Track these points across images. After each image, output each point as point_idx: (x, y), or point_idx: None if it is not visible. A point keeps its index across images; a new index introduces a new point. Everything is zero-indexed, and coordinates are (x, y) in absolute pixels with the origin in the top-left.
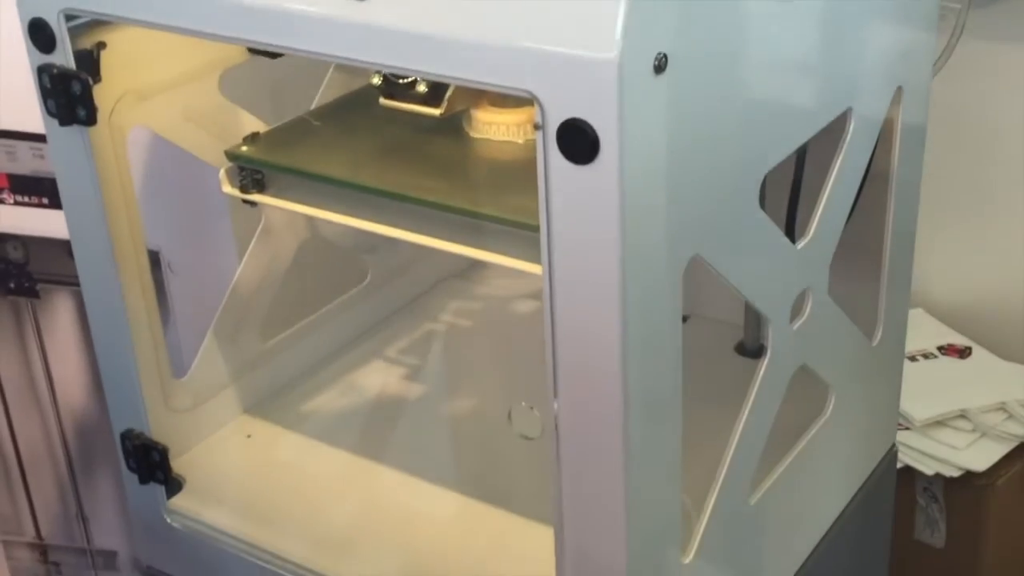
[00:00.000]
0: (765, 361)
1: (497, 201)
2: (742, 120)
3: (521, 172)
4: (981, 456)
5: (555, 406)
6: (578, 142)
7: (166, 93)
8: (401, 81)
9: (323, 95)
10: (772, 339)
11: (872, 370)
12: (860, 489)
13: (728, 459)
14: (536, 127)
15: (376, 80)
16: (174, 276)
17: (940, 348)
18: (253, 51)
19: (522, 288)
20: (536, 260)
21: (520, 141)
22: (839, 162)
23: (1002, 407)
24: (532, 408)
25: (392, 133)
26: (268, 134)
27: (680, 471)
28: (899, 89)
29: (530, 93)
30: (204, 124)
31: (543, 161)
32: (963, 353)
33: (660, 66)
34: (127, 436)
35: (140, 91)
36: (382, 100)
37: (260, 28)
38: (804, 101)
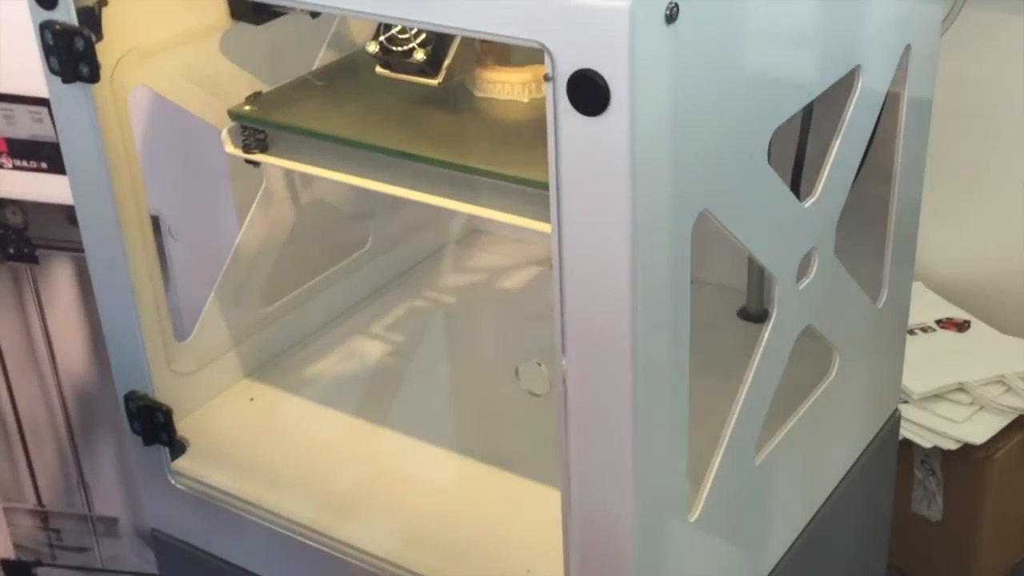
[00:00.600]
0: (771, 321)
1: (503, 159)
2: (751, 74)
3: (527, 131)
4: (979, 429)
5: (563, 363)
6: (589, 93)
7: (167, 52)
8: (397, 49)
9: (324, 56)
10: (778, 298)
11: (876, 333)
12: (863, 453)
13: (734, 418)
14: (546, 78)
15: (372, 48)
16: (174, 241)
17: (939, 322)
18: (236, 17)
19: (523, 254)
20: (544, 218)
21: (525, 100)
22: (847, 120)
23: (1001, 380)
24: (540, 364)
25: (396, 93)
26: (270, 94)
27: (687, 430)
28: (907, 48)
29: (540, 44)
30: (205, 85)
31: (553, 114)
32: (961, 327)
33: (672, 15)
34: (131, 398)
35: (142, 50)
36: (378, 69)
37: None
38: (813, 57)
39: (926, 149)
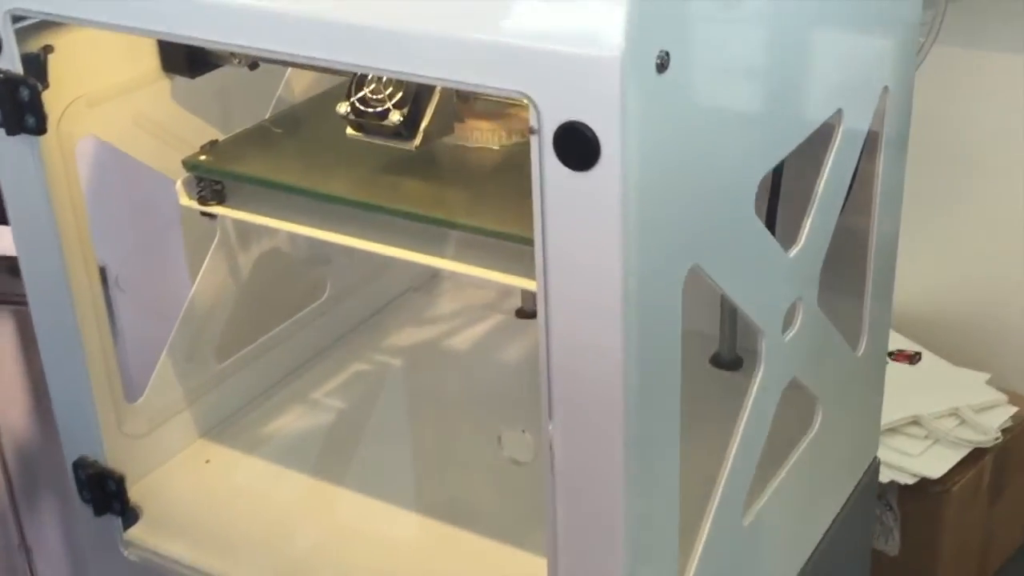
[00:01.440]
0: (758, 376)
1: (478, 211)
2: (739, 122)
3: (501, 180)
4: (935, 463)
5: (549, 429)
6: (578, 147)
7: (116, 100)
8: (370, 110)
9: (280, 99)
10: (765, 352)
11: (857, 381)
12: (847, 502)
13: (723, 481)
14: (531, 132)
15: (343, 109)
16: (122, 293)
17: (890, 354)
18: (169, 70)
19: (486, 300)
20: (522, 273)
21: (495, 147)
22: (829, 165)
23: (955, 413)
24: (524, 432)
25: (359, 139)
26: (227, 142)
27: (678, 493)
28: (885, 89)
29: (523, 95)
30: (157, 133)
31: (538, 168)
32: (913, 359)
33: (663, 64)
34: (80, 465)
35: (90, 97)
36: (349, 132)
37: (215, 27)
38: (799, 101)
39: (902, 188)
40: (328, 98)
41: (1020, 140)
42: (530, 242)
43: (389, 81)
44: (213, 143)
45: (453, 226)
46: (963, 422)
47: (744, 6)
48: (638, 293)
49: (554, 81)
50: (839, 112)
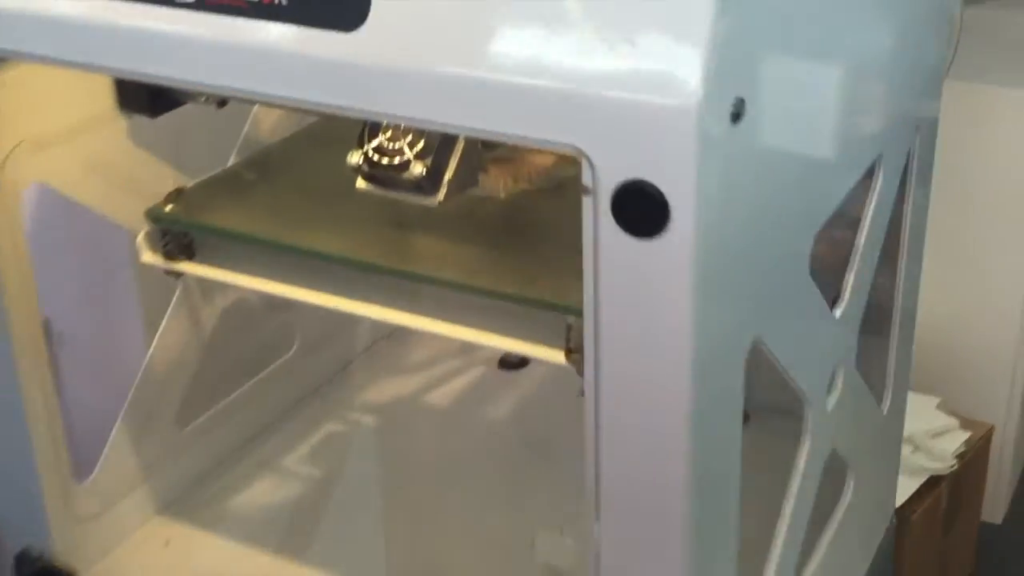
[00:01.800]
0: (805, 449)
1: (498, 272)
2: (800, 175)
3: (513, 232)
4: None
5: (596, 531)
6: (642, 209)
7: (67, 142)
8: (388, 161)
9: (247, 138)
10: (811, 424)
11: (881, 440)
12: (872, 564)
13: (774, 563)
14: (584, 192)
15: (355, 158)
16: (67, 352)
17: None
18: (126, 108)
19: (464, 351)
20: (552, 344)
21: (501, 195)
22: (870, 215)
23: (908, 440)
24: (562, 533)
25: (344, 185)
26: (196, 189)
27: None
28: (917, 128)
29: (576, 148)
30: (112, 178)
31: (591, 234)
32: None
33: (738, 113)
34: (24, 559)
35: (37, 139)
36: (360, 184)
37: (198, 67)
38: (849, 149)
39: (926, 231)
40: (304, 138)
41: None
42: (560, 308)
43: (408, 128)
44: (179, 191)
45: (470, 291)
46: (917, 448)
47: (805, 44)
48: (704, 372)
49: (614, 133)
50: (879, 157)
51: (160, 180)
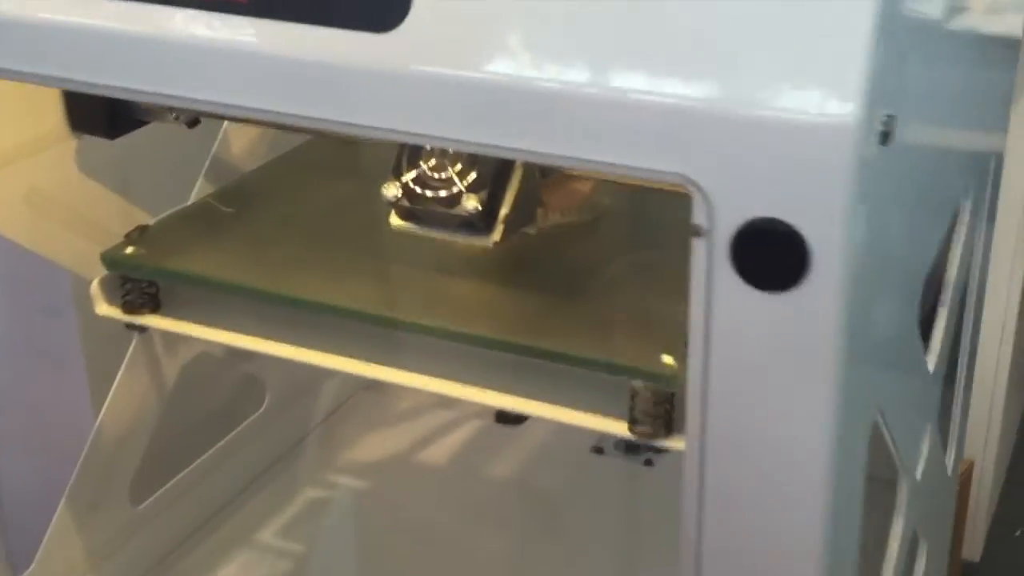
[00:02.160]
0: (899, 527)
1: (539, 326)
2: (917, 215)
3: (557, 277)
4: None
5: None
6: (773, 257)
7: (2, 171)
8: (433, 194)
9: (216, 160)
10: (907, 497)
11: (946, 503)
12: None
13: None
14: (696, 233)
15: (391, 191)
16: None
17: None
18: (78, 128)
19: (450, 400)
20: (610, 413)
21: (531, 231)
22: (959, 254)
23: None
24: None
25: (334, 220)
26: (160, 226)
27: None
28: (993, 158)
29: (685, 179)
30: (57, 213)
31: (703, 285)
32: None
33: (887, 132)
34: None
35: None
36: (394, 221)
37: (192, 79)
38: (951, 183)
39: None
40: (287, 163)
41: None
42: (624, 371)
43: (456, 154)
44: (142, 229)
45: (501, 347)
46: None
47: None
48: (841, 462)
49: (736, 159)
50: (965, 195)
51: (116, 214)
